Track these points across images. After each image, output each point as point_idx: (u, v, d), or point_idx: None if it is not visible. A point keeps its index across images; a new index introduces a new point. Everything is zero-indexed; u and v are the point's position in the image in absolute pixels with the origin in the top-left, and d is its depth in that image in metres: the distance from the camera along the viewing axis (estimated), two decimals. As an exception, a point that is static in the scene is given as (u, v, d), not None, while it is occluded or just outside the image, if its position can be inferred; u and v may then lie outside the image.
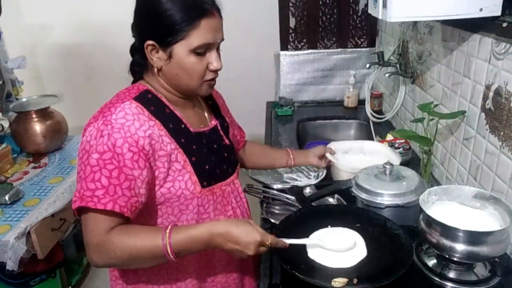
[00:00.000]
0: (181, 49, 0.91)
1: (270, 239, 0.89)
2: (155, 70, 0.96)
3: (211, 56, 0.95)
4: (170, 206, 0.97)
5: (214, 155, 1.05)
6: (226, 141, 1.13)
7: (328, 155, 1.42)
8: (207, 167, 1.01)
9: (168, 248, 0.86)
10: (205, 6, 0.90)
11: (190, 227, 0.90)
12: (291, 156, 1.40)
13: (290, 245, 0.93)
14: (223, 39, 0.97)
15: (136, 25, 0.97)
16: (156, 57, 0.94)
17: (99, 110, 0.94)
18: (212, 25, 0.92)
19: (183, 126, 0.99)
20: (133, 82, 1.03)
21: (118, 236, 0.86)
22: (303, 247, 0.96)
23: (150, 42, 0.92)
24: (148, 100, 0.96)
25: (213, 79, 1.00)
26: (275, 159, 1.40)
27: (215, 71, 0.98)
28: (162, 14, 0.89)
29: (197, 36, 0.90)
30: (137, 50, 0.98)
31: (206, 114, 1.11)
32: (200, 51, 0.92)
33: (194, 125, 1.03)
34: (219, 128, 1.12)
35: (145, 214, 0.95)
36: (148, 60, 0.96)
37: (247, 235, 0.87)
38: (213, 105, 1.17)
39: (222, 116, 1.17)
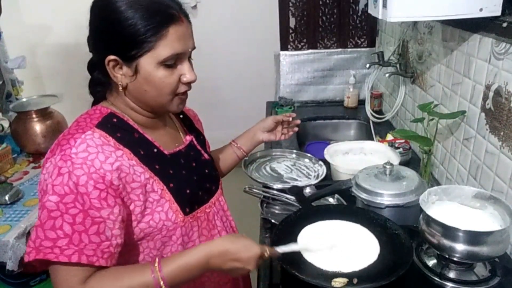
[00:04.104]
0: (148, 62, 0.81)
1: (268, 250, 0.85)
2: (120, 88, 0.85)
3: (183, 67, 0.85)
4: (151, 240, 0.88)
5: (194, 174, 0.97)
6: (205, 155, 1.05)
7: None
8: (188, 191, 0.93)
9: (161, 282, 0.78)
10: (172, 12, 0.81)
11: (180, 254, 0.82)
12: (237, 147, 1.27)
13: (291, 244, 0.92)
14: (194, 47, 0.88)
15: (93, 39, 0.85)
16: (120, 74, 0.83)
17: (56, 142, 0.82)
18: (181, 33, 0.82)
19: (155, 150, 0.90)
20: (94, 103, 0.93)
21: (99, 284, 0.77)
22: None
23: (111, 57, 0.81)
24: (113, 126, 0.85)
25: (185, 93, 0.90)
26: (226, 159, 1.27)
27: (188, 84, 0.88)
28: (123, 24, 0.78)
29: (165, 47, 0.80)
30: (96, 66, 0.87)
31: (179, 131, 1.03)
32: (170, 63, 0.82)
33: (168, 146, 0.94)
34: (195, 143, 1.04)
35: (123, 252, 0.84)
36: (110, 78, 0.85)
37: (247, 249, 0.82)
38: (185, 118, 1.09)
39: (196, 129, 1.10)
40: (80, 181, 0.75)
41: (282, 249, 0.88)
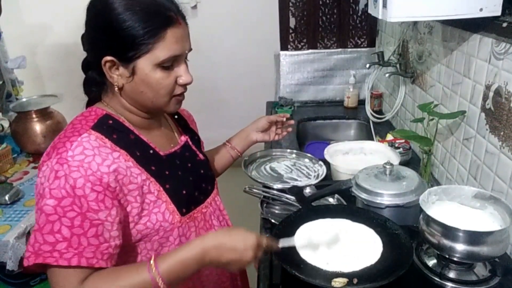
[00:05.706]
0: (145, 64, 0.81)
1: (265, 239, 0.84)
2: (116, 89, 0.85)
3: (180, 69, 0.86)
4: (149, 242, 0.88)
5: (190, 175, 0.98)
6: (200, 156, 1.05)
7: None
8: (184, 191, 0.93)
9: (159, 280, 0.76)
10: (170, 14, 0.81)
11: (176, 250, 0.80)
12: (231, 147, 1.27)
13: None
14: (191, 49, 0.88)
15: (90, 38, 0.85)
16: (117, 75, 0.83)
17: (52, 145, 0.81)
18: (179, 35, 0.82)
19: (151, 151, 0.90)
20: (88, 103, 0.92)
21: (96, 284, 0.76)
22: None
23: (108, 58, 0.81)
24: (109, 127, 0.85)
25: (182, 94, 0.90)
26: (220, 160, 1.27)
27: (185, 85, 0.88)
28: (121, 26, 0.78)
29: (163, 49, 0.80)
30: (91, 66, 0.87)
31: (174, 132, 1.03)
32: (167, 65, 0.83)
33: (164, 147, 0.94)
34: (190, 143, 1.04)
35: (121, 254, 0.84)
36: (105, 78, 0.85)
37: (243, 239, 0.81)
38: (180, 118, 1.09)
39: (190, 129, 1.10)
40: (77, 184, 0.75)
41: (283, 242, 0.88)
